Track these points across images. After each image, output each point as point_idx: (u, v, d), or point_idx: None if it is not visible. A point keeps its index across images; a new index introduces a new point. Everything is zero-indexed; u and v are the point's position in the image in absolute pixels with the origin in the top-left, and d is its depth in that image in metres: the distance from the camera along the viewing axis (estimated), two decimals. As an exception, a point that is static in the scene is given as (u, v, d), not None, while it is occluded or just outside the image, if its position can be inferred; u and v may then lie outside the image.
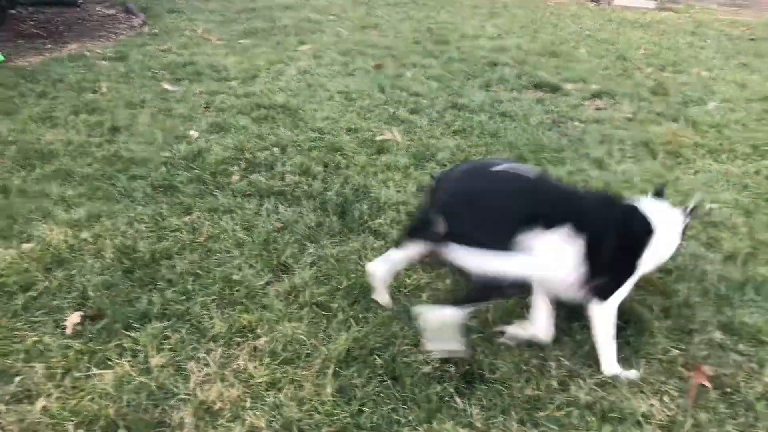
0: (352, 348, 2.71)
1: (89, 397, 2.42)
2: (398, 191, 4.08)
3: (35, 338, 2.69)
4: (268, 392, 2.49)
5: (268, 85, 6.15)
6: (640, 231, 2.66)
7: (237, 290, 3.05)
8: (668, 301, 3.12)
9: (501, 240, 2.38)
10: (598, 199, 2.78)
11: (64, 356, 2.60)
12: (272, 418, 2.38)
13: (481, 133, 5.12)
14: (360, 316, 2.92)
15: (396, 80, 6.40)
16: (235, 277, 3.13)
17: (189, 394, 2.46)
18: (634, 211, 2.69)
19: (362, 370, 2.60)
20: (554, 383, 2.60)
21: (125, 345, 2.68)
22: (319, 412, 2.41)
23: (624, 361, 2.71)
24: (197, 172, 4.23)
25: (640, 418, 2.46)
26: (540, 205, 2.52)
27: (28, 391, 2.44)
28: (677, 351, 2.81)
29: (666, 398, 2.57)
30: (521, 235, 2.38)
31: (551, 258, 2.48)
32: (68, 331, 2.75)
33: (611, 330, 2.67)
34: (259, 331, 2.79)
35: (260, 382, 2.53)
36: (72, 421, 2.31)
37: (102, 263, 3.20)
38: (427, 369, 2.65)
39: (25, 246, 3.31)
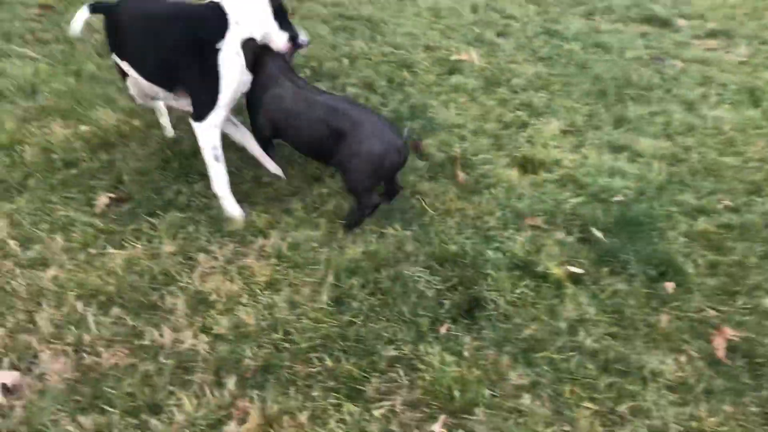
0: (359, 260, 2.65)
1: (97, 273, 2.51)
2: (458, 114, 3.90)
3: (64, 213, 2.80)
4: (264, 291, 2.49)
5: (356, -4, 5.99)
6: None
7: (264, 191, 3.04)
8: (720, 257, 2.82)
9: None
10: None
11: (85, 233, 2.70)
12: (262, 317, 2.38)
13: (568, 62, 4.76)
14: (381, 231, 2.84)
15: (492, 1, 6.05)
16: (265, 179, 3.13)
17: (189, 283, 2.50)
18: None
19: (364, 284, 2.54)
20: (562, 325, 2.44)
21: (143, 230, 2.75)
22: (309, 318, 2.39)
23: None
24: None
25: (647, 374, 2.26)
26: None
27: (44, 260, 2.56)
28: (713, 312, 2.55)
29: (683, 358, 2.34)
30: None
31: None
32: (97, 210, 2.85)
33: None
34: (273, 232, 2.78)
35: (260, 281, 2.53)
36: (74, 291, 2.41)
37: (144, 151, 3.27)
38: (430, 293, 2.55)
39: (82, 128, 3.44)
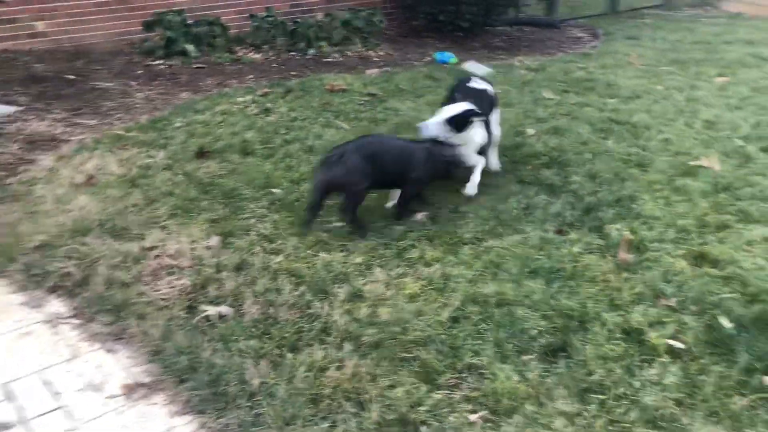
0: (489, 296, 3.23)
1: (306, 265, 3.55)
2: (661, 208, 4.15)
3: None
4: (404, 300, 3.24)
5: (639, 105, 6.41)
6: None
7: (444, 238, 3.81)
8: None
9: None
10: None
11: (311, 240, 3.80)
12: (391, 315, 3.12)
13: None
14: (522, 283, 3.37)
15: (782, 118, 5.91)
16: (463, 233, 3.89)
17: (356, 284, 3.38)
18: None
19: (482, 313, 3.12)
20: (635, 383, 2.68)
21: (347, 246, 3.74)
22: (426, 324, 3.05)
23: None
24: (504, 158, 5.00)
25: (689, 438, 2.42)
26: None
27: (279, 250, 3.70)
28: (806, 413, 2.51)
29: (737, 437, 2.42)
30: None
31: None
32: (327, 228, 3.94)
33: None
34: (437, 265, 3.53)
35: (405, 293, 3.29)
36: (285, 273, 3.48)
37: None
38: (532, 332, 3.01)
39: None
